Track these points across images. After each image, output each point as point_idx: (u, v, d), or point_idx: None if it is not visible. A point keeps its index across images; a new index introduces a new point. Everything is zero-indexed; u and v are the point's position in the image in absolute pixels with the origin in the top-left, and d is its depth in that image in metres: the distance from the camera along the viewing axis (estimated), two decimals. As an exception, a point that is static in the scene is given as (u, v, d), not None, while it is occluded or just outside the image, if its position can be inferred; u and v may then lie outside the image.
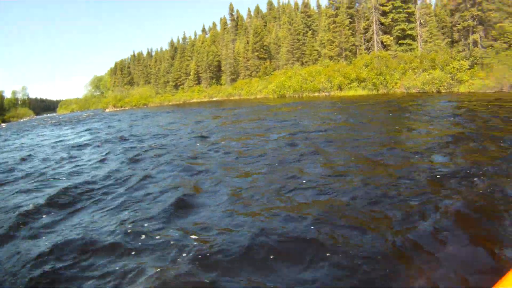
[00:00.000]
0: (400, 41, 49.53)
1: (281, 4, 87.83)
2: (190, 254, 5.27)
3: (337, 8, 57.23)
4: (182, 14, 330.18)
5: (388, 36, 50.07)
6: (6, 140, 32.54)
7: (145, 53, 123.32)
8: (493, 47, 35.34)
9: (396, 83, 41.00)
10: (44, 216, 7.75)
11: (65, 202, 8.61)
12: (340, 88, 46.77)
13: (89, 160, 14.67)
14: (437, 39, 46.81)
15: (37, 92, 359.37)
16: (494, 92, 30.35)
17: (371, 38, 52.10)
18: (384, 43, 50.42)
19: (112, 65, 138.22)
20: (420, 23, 48.81)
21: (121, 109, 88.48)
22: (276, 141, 14.73)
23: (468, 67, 35.26)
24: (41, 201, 8.66)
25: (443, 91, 35.47)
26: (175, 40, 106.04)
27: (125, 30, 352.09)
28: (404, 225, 5.67)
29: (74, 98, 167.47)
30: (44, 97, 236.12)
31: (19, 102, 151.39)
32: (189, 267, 4.91)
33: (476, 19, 38.10)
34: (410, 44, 48.98)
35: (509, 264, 3.82)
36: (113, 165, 13.07)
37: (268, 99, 52.91)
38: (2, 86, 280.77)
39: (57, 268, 5.26)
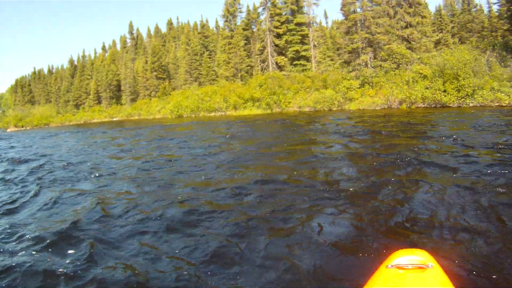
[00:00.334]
0: (294, 62, 49.34)
1: (180, 24, 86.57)
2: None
3: (232, 30, 56.37)
4: (82, 31, 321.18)
5: (283, 57, 49.94)
6: None
7: (45, 70, 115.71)
8: (382, 67, 36.27)
9: (289, 102, 40.68)
10: None
11: None
12: (235, 107, 45.44)
13: None
14: (331, 59, 47.46)
15: None
16: (382, 108, 31.77)
17: (266, 59, 51.52)
18: (279, 64, 50.09)
19: (13, 82, 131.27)
20: (314, 45, 49.24)
21: (22, 128, 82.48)
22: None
23: (358, 86, 35.92)
24: None
25: (334, 109, 35.91)
26: (74, 58, 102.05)
27: (25, 43, 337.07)
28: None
29: None
30: None
31: None
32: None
33: (365, 42, 38.40)
34: (304, 65, 49.01)
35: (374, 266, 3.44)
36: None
37: (166, 119, 50.56)
38: None
39: None
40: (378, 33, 37.43)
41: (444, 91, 28.22)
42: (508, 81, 26.58)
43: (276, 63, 50.41)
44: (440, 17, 57.38)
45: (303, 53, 48.83)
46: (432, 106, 28.85)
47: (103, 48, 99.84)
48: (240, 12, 58.04)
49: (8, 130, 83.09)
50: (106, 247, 5.60)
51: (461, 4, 60.10)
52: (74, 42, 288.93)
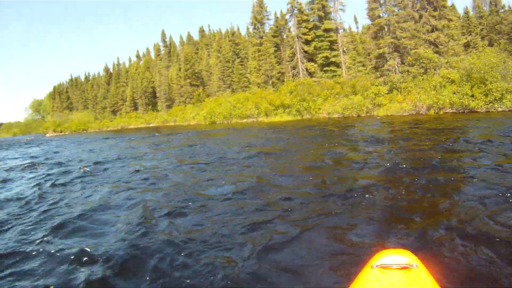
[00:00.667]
0: (324, 68, 49.61)
1: (211, 31, 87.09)
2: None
3: (261, 37, 56.84)
4: (117, 39, 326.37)
5: (313, 63, 50.32)
6: None
7: (82, 78, 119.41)
8: (409, 72, 35.91)
9: (319, 109, 40.83)
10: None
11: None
12: (266, 114, 45.95)
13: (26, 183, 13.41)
14: (362, 65, 47.63)
15: None
16: (410, 114, 31.20)
17: (296, 65, 51.66)
18: (309, 70, 50.36)
19: (51, 89, 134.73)
20: (343, 51, 49.40)
21: (61, 134, 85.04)
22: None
23: (386, 91, 35.72)
24: None
25: (363, 115, 35.92)
26: (109, 65, 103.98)
27: (62, 51, 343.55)
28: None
29: (15, 122, 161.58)
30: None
31: None
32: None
33: (392, 47, 38.15)
34: (334, 71, 49.20)
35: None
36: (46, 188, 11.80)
37: (200, 125, 52.06)
38: None
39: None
40: (404, 37, 37.25)
41: (472, 95, 27.81)
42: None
43: (307, 69, 50.65)
44: (468, 20, 56.18)
45: (332, 59, 49.27)
46: (460, 111, 28.30)
47: (138, 56, 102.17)
48: (268, 19, 58.74)
49: (47, 135, 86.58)
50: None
51: (488, 5, 58.60)
52: (108, 50, 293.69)
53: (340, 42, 49.47)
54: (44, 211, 8.51)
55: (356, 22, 67.84)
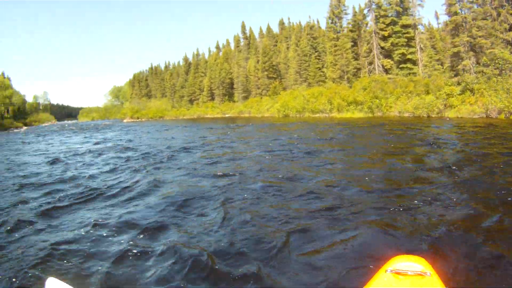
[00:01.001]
0: (401, 65, 49.66)
1: (291, 24, 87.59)
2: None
3: (338, 32, 57.40)
4: (197, 30, 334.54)
5: (389, 60, 50.22)
6: (29, 142, 33.78)
7: (162, 67, 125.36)
8: (484, 73, 34.88)
9: (390, 107, 41.16)
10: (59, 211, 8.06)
11: (80, 200, 8.94)
12: (338, 110, 46.81)
13: (104, 166, 15.14)
14: (439, 63, 47.10)
15: (58, 99, 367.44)
16: (480, 117, 30.29)
17: (373, 61, 51.78)
18: (385, 67, 50.39)
19: (131, 76, 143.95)
20: (420, 48, 48.97)
21: (138, 120, 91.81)
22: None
23: (459, 92, 35.01)
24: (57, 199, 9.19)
25: (433, 115, 35.52)
26: (188, 55, 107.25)
27: (143, 41, 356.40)
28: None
29: (94, 107, 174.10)
30: (65, 103, 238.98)
31: (41, 107, 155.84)
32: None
33: (467, 45, 37.65)
34: (411, 68, 48.97)
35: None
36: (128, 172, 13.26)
37: (274, 118, 54.04)
38: (24, 91, 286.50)
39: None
40: (480, 36, 36.65)
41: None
42: None
43: (383, 66, 50.81)
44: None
45: (409, 56, 49.30)
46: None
47: (217, 47, 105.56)
48: (346, 14, 59.28)
49: (125, 121, 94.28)
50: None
51: None
52: (189, 41, 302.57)
53: (417, 39, 49.19)
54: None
55: (437, 18, 65.98)
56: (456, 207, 6.80)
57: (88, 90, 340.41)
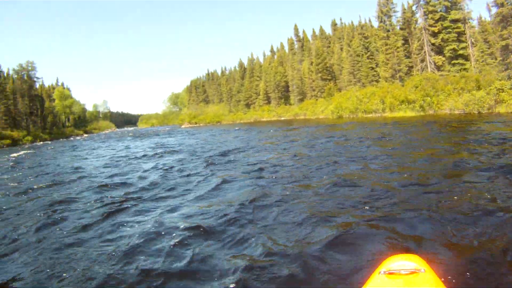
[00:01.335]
0: (452, 61, 49.42)
1: (343, 24, 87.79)
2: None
3: (388, 30, 57.59)
4: (251, 35, 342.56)
5: (441, 56, 50.00)
6: (89, 148, 38.07)
7: (219, 72, 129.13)
8: None
9: (442, 105, 41.34)
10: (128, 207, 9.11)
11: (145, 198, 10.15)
12: (391, 109, 47.38)
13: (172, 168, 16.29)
14: (492, 58, 46.54)
15: (118, 107, 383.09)
16: None
17: (424, 58, 51.67)
18: (437, 64, 50.20)
19: (188, 83, 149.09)
20: (472, 43, 48.68)
21: (195, 125, 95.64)
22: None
23: (510, 86, 35.14)
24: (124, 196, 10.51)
25: (484, 112, 35.47)
26: (243, 60, 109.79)
27: (199, 48, 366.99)
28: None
29: (153, 113, 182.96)
30: (125, 111, 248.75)
31: (101, 115, 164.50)
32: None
33: (516, 37, 37.45)
34: (463, 64, 48.37)
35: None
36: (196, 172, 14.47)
37: (328, 119, 54.95)
38: (85, 100, 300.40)
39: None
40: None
41: None
42: None
43: (434, 62, 50.58)
44: None
45: (460, 52, 48.79)
46: None
47: (272, 50, 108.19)
48: (395, 11, 59.43)
49: (183, 126, 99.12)
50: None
51: None
52: (244, 46, 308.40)
53: (468, 33, 48.82)
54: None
55: (489, 11, 64.98)
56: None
57: (147, 98, 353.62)
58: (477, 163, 10.68)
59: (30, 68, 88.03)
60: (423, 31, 51.34)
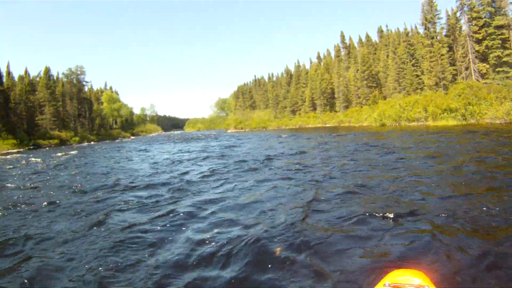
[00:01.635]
0: (497, 69, 49.11)
1: (389, 31, 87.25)
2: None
3: (432, 38, 57.02)
4: (298, 41, 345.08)
5: (485, 64, 49.65)
6: (135, 150, 40.17)
7: (266, 78, 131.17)
8: None
9: (484, 114, 40.73)
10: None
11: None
12: (433, 118, 47.15)
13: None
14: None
15: (165, 110, 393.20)
16: None
17: (468, 66, 51.20)
18: (481, 72, 49.81)
19: (235, 89, 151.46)
20: (516, 49, 48.09)
21: (241, 130, 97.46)
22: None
23: None
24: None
25: None
26: (290, 67, 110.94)
27: (247, 54, 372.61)
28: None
29: (200, 118, 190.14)
30: (172, 115, 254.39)
31: (148, 118, 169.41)
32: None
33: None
34: (507, 72, 47.95)
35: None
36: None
37: (371, 127, 55.51)
38: (133, 104, 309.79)
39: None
40: None
41: None
42: None
43: (479, 70, 50.21)
44: None
45: (505, 59, 48.45)
46: None
47: (318, 57, 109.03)
48: (439, 18, 58.66)
49: (229, 131, 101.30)
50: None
51: None
52: (290, 52, 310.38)
53: (513, 40, 48.27)
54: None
55: None
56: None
57: (194, 102, 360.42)
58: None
59: (79, 72, 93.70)
60: (467, 38, 51.18)
